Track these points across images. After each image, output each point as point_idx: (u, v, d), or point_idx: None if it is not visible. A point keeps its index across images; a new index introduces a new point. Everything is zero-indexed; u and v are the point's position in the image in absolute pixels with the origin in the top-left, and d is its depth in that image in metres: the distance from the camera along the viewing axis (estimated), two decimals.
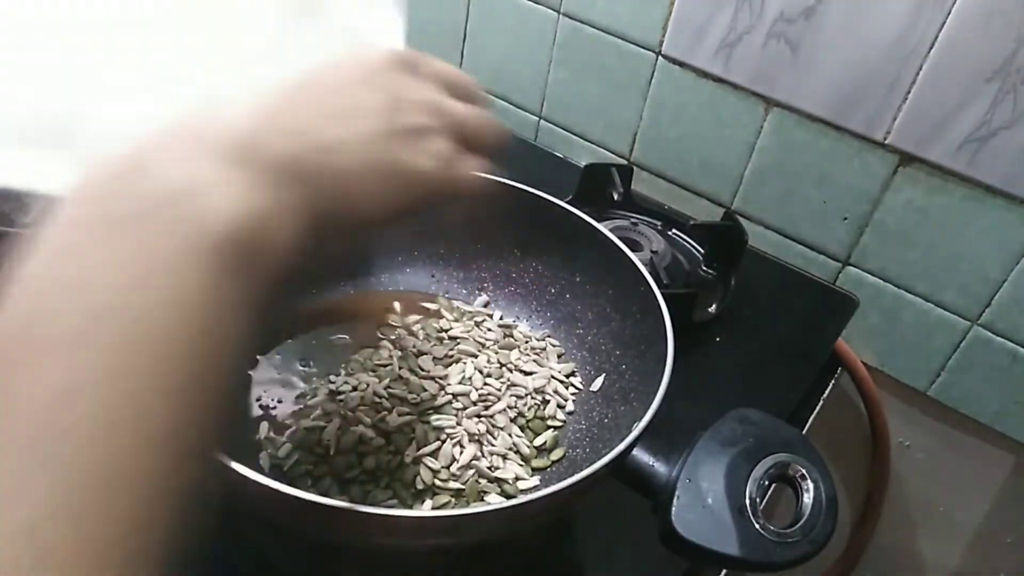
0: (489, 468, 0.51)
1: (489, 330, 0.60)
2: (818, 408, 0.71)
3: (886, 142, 0.69)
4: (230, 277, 0.25)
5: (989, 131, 0.64)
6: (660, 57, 0.79)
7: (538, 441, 0.53)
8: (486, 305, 0.63)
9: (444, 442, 0.51)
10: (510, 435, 0.53)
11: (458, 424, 0.52)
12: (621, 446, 0.40)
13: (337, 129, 0.30)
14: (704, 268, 0.75)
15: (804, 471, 0.40)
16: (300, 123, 0.30)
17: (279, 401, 0.53)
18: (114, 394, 0.21)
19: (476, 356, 0.58)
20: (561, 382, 0.58)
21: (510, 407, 0.55)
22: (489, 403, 0.55)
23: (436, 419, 0.52)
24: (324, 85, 0.32)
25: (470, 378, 0.56)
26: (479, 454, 0.52)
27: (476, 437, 0.52)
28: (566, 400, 0.56)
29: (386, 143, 0.31)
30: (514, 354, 0.58)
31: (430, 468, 0.49)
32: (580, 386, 0.58)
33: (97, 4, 0.39)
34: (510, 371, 0.57)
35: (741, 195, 0.80)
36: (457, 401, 0.54)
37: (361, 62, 0.33)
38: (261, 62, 0.39)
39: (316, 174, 0.29)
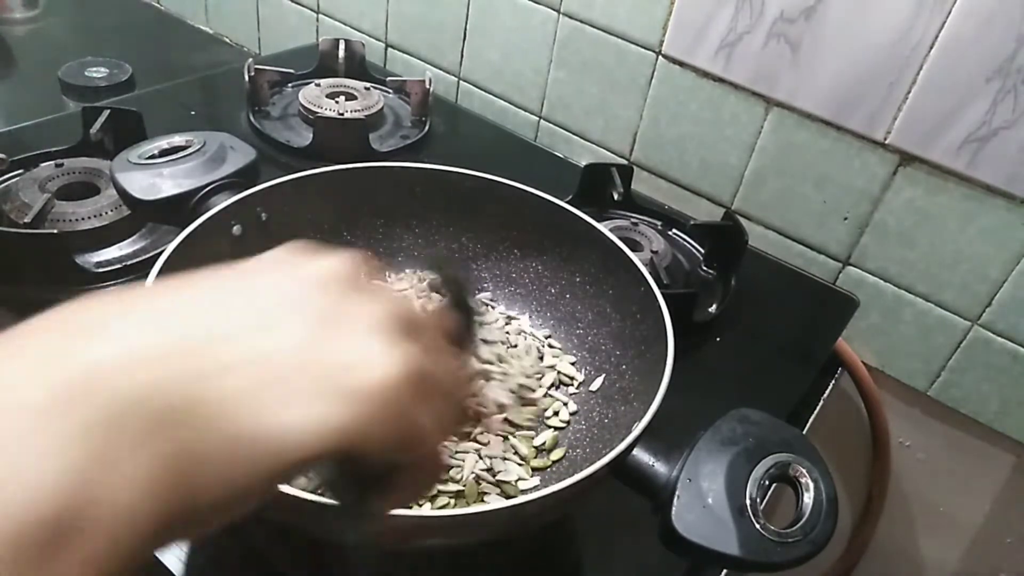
0: (488, 469, 0.51)
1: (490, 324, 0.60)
2: (818, 408, 0.71)
3: (886, 142, 0.69)
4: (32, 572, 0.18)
5: (989, 131, 0.64)
6: (660, 57, 0.79)
7: (538, 441, 0.53)
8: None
9: None
10: (510, 435, 0.53)
11: None
12: (621, 446, 0.40)
13: (244, 343, 0.23)
14: (704, 268, 0.75)
15: (804, 471, 0.40)
16: (189, 337, 0.22)
17: None
18: None
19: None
20: (561, 382, 0.58)
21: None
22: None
23: None
24: (243, 288, 0.25)
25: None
26: (478, 456, 0.52)
27: (475, 437, 0.52)
28: (566, 400, 0.56)
29: (318, 352, 0.23)
30: (515, 352, 0.58)
31: None
32: (580, 386, 0.58)
33: None
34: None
35: (741, 195, 0.80)
36: None
37: (301, 263, 0.26)
38: None
39: (191, 406, 0.21)
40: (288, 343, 0.23)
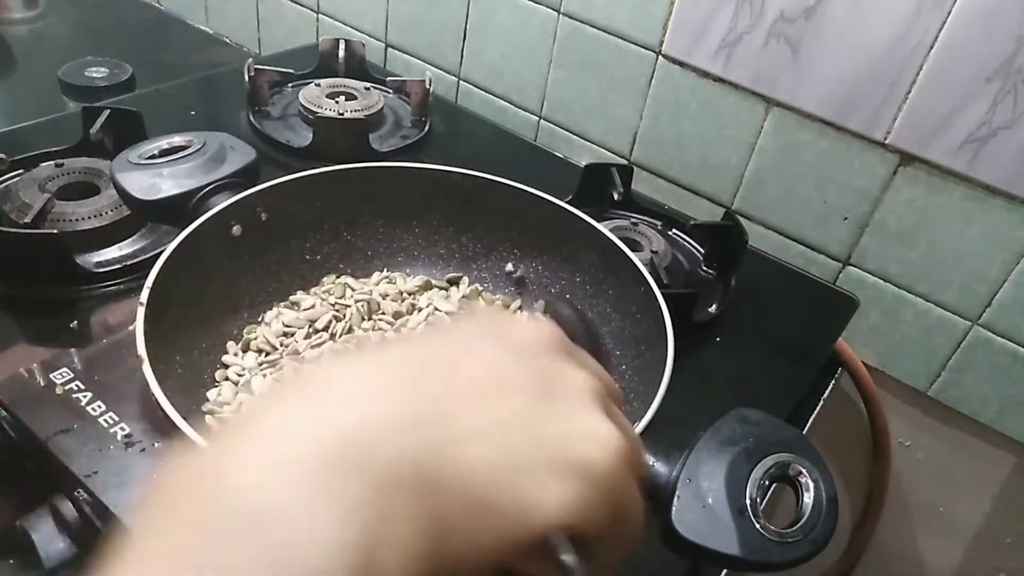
0: None
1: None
2: (818, 408, 0.71)
3: (886, 142, 0.69)
4: None
5: (989, 131, 0.64)
6: (660, 57, 0.79)
7: None
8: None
9: None
10: None
11: None
12: None
13: (474, 413, 0.24)
14: (704, 268, 0.75)
15: (804, 471, 0.40)
16: (422, 406, 0.23)
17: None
18: None
19: None
20: None
21: None
22: None
23: None
24: (458, 356, 0.26)
25: None
26: None
27: None
28: None
29: (543, 422, 0.24)
30: None
31: None
32: None
33: None
34: None
35: (741, 195, 0.80)
36: None
37: (506, 331, 0.27)
38: None
39: (440, 478, 0.22)
40: (513, 414, 0.24)
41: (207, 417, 0.50)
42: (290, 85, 0.92)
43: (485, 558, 0.23)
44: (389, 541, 0.21)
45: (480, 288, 0.64)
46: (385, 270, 0.64)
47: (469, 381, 0.25)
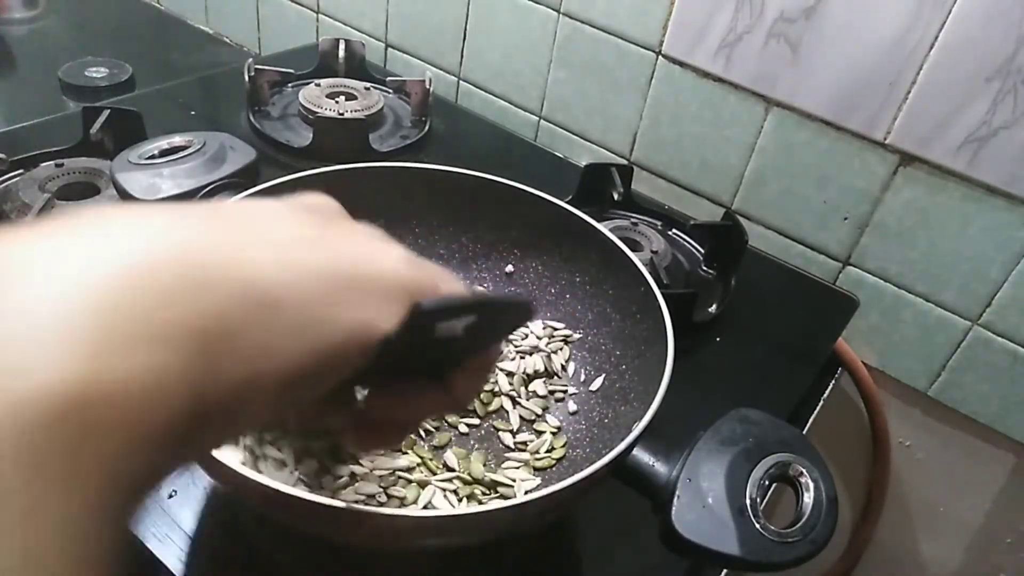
0: (488, 469, 0.51)
1: None
2: (818, 408, 0.71)
3: (886, 142, 0.69)
4: (62, 455, 0.15)
5: (989, 131, 0.64)
6: (660, 57, 0.79)
7: (538, 441, 0.53)
8: None
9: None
10: (509, 435, 0.53)
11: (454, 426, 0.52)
12: (621, 446, 0.40)
13: (257, 227, 0.22)
14: (704, 268, 0.75)
15: (804, 471, 0.40)
16: (209, 235, 0.21)
17: None
18: None
19: None
20: (555, 379, 0.58)
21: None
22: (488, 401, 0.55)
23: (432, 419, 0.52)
24: (242, 206, 0.24)
25: None
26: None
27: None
28: (566, 400, 0.56)
29: (332, 242, 0.24)
30: (514, 351, 0.58)
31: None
32: (580, 386, 0.58)
33: None
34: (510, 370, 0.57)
35: (741, 195, 0.80)
36: None
37: (293, 197, 0.27)
38: None
39: (220, 275, 0.19)
40: (305, 233, 0.23)
41: None
42: (290, 85, 0.92)
43: (281, 373, 0.20)
44: (135, 348, 0.17)
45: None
46: None
47: (258, 214, 0.23)
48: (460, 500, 0.49)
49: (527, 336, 0.60)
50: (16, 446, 0.15)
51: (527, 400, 0.56)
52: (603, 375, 0.57)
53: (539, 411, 0.55)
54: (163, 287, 0.18)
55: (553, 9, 0.84)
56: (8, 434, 0.15)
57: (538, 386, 0.56)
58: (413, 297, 0.25)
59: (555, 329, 0.61)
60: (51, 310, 0.16)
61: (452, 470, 0.50)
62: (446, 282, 0.28)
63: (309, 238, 0.23)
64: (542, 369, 0.58)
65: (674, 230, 0.79)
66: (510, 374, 0.57)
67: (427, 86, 0.89)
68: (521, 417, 0.55)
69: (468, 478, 0.49)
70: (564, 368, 0.58)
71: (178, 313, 0.18)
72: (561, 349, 0.60)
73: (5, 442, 0.15)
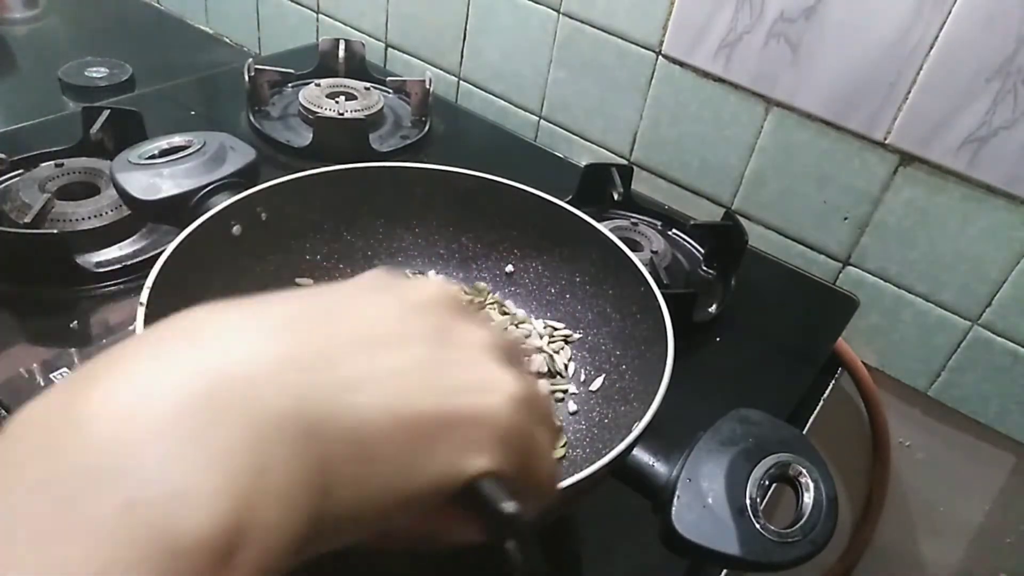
0: None
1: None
2: (818, 408, 0.71)
3: (886, 142, 0.69)
4: None
5: (989, 131, 0.64)
6: (660, 57, 0.79)
7: None
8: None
9: None
10: None
11: None
12: (621, 446, 0.40)
13: (365, 359, 0.22)
14: (704, 268, 0.75)
15: (804, 471, 0.40)
16: (308, 349, 0.21)
17: None
18: None
19: None
20: (558, 377, 0.58)
21: None
22: None
23: None
24: (351, 305, 0.24)
25: None
26: None
27: None
28: (566, 400, 0.56)
29: (438, 371, 0.23)
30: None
31: None
32: (580, 386, 0.58)
33: None
34: None
35: (741, 195, 0.80)
36: None
37: (403, 287, 0.26)
38: None
39: (324, 425, 0.20)
40: (410, 363, 0.23)
41: None
42: (290, 85, 0.92)
43: (375, 512, 0.21)
44: (267, 488, 0.18)
45: (486, 286, 0.64)
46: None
47: (361, 328, 0.23)
48: None
49: (529, 335, 0.60)
50: (185, 564, 0.17)
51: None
52: (603, 375, 0.57)
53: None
54: (283, 439, 0.19)
55: (553, 9, 0.84)
56: (168, 568, 0.17)
57: (542, 386, 0.56)
58: (508, 447, 0.24)
59: (555, 329, 0.61)
60: (186, 435, 0.18)
61: None
62: (545, 436, 0.26)
63: (418, 366, 0.23)
64: (545, 369, 0.58)
65: (674, 230, 0.79)
66: None
67: (427, 86, 0.89)
68: None
69: None
70: (566, 368, 0.58)
71: (298, 471, 0.19)
72: (563, 349, 0.60)
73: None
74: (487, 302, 0.63)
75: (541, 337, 0.60)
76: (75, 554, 0.16)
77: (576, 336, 0.60)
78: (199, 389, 0.19)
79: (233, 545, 0.18)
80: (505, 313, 0.62)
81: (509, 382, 0.24)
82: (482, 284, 0.64)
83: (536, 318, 0.62)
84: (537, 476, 0.26)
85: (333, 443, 0.20)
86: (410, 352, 0.23)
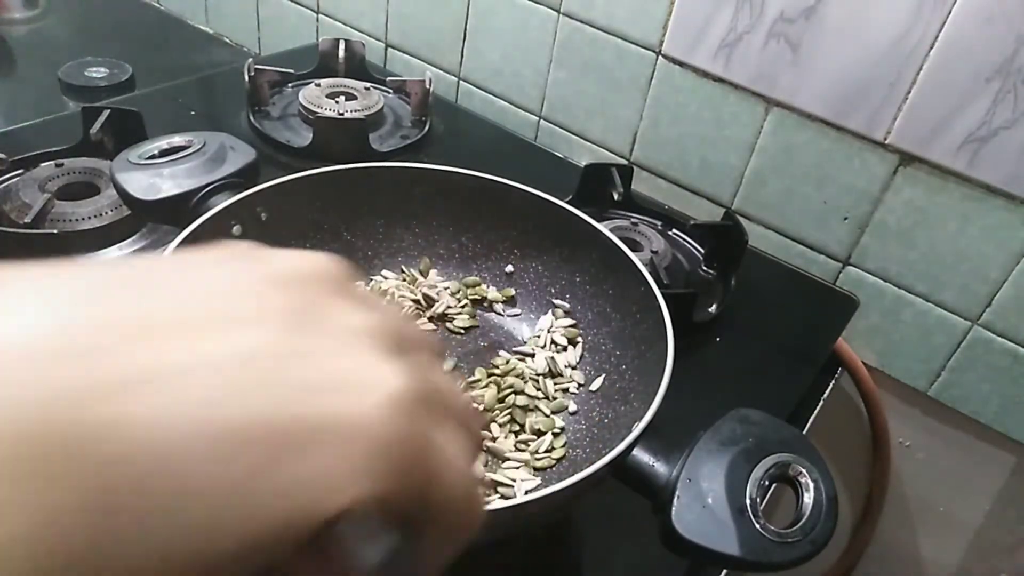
0: (489, 469, 0.51)
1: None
2: (818, 408, 0.71)
3: (886, 142, 0.69)
4: None
5: (989, 131, 0.64)
6: (660, 57, 0.79)
7: (538, 441, 0.53)
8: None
9: None
10: (510, 435, 0.53)
11: None
12: (621, 446, 0.40)
13: (178, 344, 0.16)
14: (704, 268, 0.75)
15: (804, 471, 0.40)
16: (99, 331, 0.15)
17: None
18: None
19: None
20: (559, 377, 0.58)
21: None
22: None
23: None
24: (184, 275, 0.18)
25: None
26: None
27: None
28: (566, 400, 0.56)
29: (288, 365, 0.17)
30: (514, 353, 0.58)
31: None
32: (580, 386, 0.58)
33: None
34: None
35: (741, 195, 0.80)
36: None
37: (267, 256, 0.20)
38: None
39: (100, 439, 0.14)
40: (247, 352, 0.16)
41: None
42: (290, 85, 0.92)
43: (185, 566, 0.15)
44: (12, 541, 0.13)
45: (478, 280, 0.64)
46: (387, 269, 0.64)
47: (186, 304, 0.17)
48: None
49: (539, 336, 0.60)
50: None
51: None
52: (603, 375, 0.57)
53: (547, 412, 0.55)
54: (28, 461, 0.13)
55: (553, 9, 0.84)
56: None
57: (547, 386, 0.56)
58: (389, 465, 0.17)
59: (562, 327, 0.61)
60: None
61: None
62: (454, 445, 0.19)
63: (258, 356, 0.16)
64: (546, 369, 0.58)
65: (674, 230, 0.79)
66: (520, 375, 0.57)
67: (427, 86, 0.89)
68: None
69: None
70: (571, 368, 0.58)
71: (40, 505, 0.13)
72: (566, 349, 0.60)
73: None
74: (470, 296, 0.63)
75: (542, 334, 0.60)
76: None
77: (579, 335, 0.60)
78: None
79: None
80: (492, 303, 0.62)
81: (390, 376, 0.18)
82: (473, 279, 0.64)
83: (545, 313, 0.62)
84: (442, 501, 0.19)
85: (111, 465, 0.14)
86: (250, 337, 0.17)
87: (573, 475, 0.38)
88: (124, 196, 0.57)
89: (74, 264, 0.17)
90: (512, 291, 0.63)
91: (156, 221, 0.67)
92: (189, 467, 0.15)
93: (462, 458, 0.19)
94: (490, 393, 0.55)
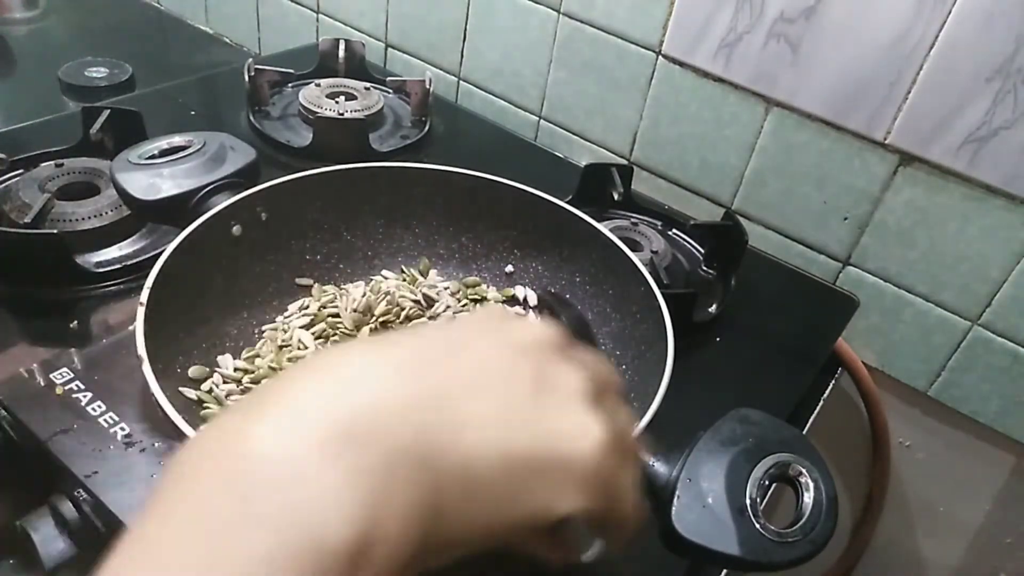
0: None
1: None
2: (818, 408, 0.71)
3: (886, 142, 0.69)
4: None
5: (989, 131, 0.64)
6: (660, 57, 0.79)
7: None
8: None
9: None
10: None
11: None
12: None
13: (473, 401, 0.26)
14: (704, 268, 0.75)
15: (804, 471, 0.40)
16: (426, 391, 0.26)
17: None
18: None
19: None
20: None
21: None
22: None
23: None
24: (464, 347, 0.28)
25: None
26: None
27: None
28: None
29: (537, 415, 0.27)
30: None
31: None
32: None
33: None
34: None
35: (741, 195, 0.80)
36: None
37: (510, 329, 0.30)
38: None
39: (440, 457, 0.24)
40: (509, 406, 0.26)
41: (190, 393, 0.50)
42: (290, 85, 0.92)
43: (478, 535, 0.25)
44: (391, 504, 0.23)
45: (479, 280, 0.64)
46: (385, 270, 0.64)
47: (470, 372, 0.27)
48: None
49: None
50: (319, 572, 0.21)
51: None
52: None
53: None
54: (404, 467, 0.23)
55: (553, 9, 0.84)
56: (313, 561, 0.21)
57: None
58: (594, 490, 0.27)
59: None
60: (322, 461, 0.23)
61: None
62: (628, 476, 0.30)
63: (519, 409, 0.27)
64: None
65: (674, 230, 0.79)
66: None
67: (427, 86, 0.89)
68: None
69: None
70: None
71: (416, 494, 0.23)
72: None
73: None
74: (477, 297, 0.63)
75: None
76: (250, 538, 0.21)
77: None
78: (340, 420, 0.23)
79: (363, 551, 0.22)
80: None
81: (598, 428, 0.27)
82: (473, 279, 0.64)
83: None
84: (620, 514, 0.30)
85: (444, 473, 0.24)
86: (509, 396, 0.27)
87: None
88: (124, 196, 0.57)
89: (387, 342, 0.28)
90: (512, 291, 0.63)
91: (156, 221, 0.66)
92: (491, 474, 0.25)
93: (632, 483, 0.30)
94: None
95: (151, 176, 0.57)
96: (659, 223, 0.79)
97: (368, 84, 0.92)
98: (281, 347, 0.56)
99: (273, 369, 0.54)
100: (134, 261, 0.64)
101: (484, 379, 0.27)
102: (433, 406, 0.25)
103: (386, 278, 0.63)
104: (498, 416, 0.26)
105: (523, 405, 0.27)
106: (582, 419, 0.28)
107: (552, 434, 0.27)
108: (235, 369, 0.53)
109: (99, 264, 0.64)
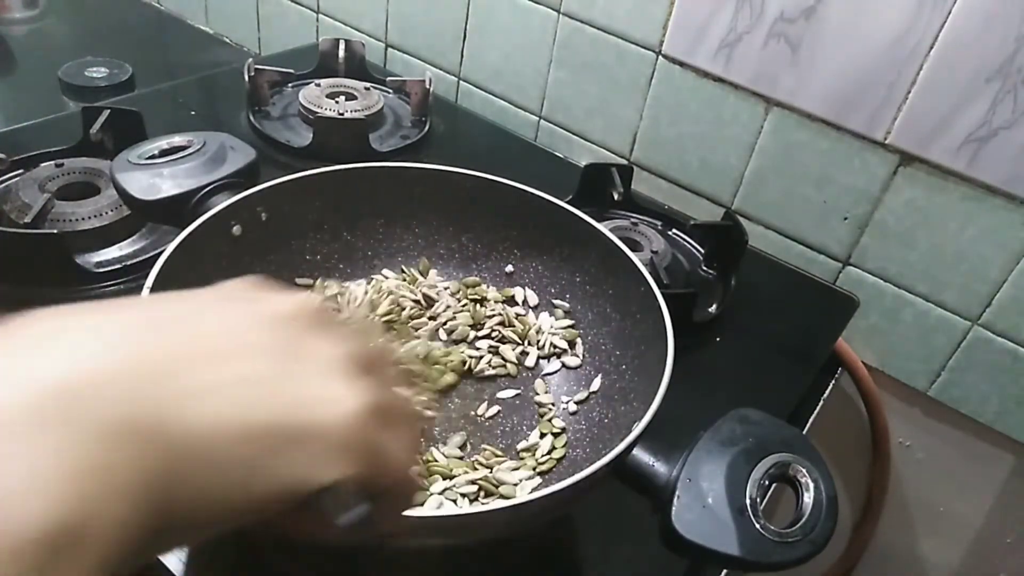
0: (488, 469, 0.51)
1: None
2: (818, 408, 0.71)
3: (886, 142, 0.69)
4: None
5: (989, 131, 0.64)
6: (660, 57, 0.79)
7: (537, 441, 0.53)
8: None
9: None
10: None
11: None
12: (621, 446, 0.40)
13: (207, 370, 0.23)
14: (704, 268, 0.75)
15: (804, 471, 0.40)
16: (152, 359, 0.23)
17: None
18: None
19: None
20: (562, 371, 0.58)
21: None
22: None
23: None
24: (201, 316, 0.26)
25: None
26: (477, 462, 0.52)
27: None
28: (567, 400, 0.56)
29: (284, 386, 0.25)
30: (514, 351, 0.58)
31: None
32: (580, 386, 0.58)
33: None
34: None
35: (741, 195, 0.80)
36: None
37: (260, 299, 0.27)
38: None
39: (168, 430, 0.22)
40: (252, 376, 0.24)
41: None
42: (290, 85, 0.92)
43: (224, 511, 0.23)
44: (108, 482, 0.20)
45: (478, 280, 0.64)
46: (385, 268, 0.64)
47: (211, 339, 0.24)
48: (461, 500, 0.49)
49: (542, 333, 0.60)
50: (16, 563, 0.18)
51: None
52: (603, 375, 0.57)
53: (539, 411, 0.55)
54: (123, 442, 0.21)
55: (553, 9, 0.84)
56: (6, 558, 0.18)
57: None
58: (351, 457, 0.25)
59: (561, 328, 0.61)
60: (21, 438, 0.19)
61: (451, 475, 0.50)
62: (398, 442, 0.27)
63: (260, 380, 0.24)
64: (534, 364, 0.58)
65: (674, 230, 0.79)
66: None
67: (427, 86, 0.89)
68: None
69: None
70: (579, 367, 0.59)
71: (141, 469, 0.21)
72: (570, 350, 0.60)
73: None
74: (478, 297, 0.63)
75: (554, 333, 0.60)
76: None
77: (578, 336, 0.60)
78: (44, 391, 0.20)
79: (72, 539, 0.19)
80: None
81: (352, 395, 0.25)
82: (473, 279, 0.64)
83: (548, 314, 0.62)
84: (389, 482, 0.27)
85: (174, 447, 0.21)
86: (253, 365, 0.24)
87: (573, 475, 0.38)
88: (124, 196, 0.57)
89: (118, 305, 0.25)
90: (512, 291, 0.63)
91: (156, 221, 0.66)
92: (230, 448, 0.23)
93: (404, 452, 0.27)
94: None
95: (151, 176, 0.57)
96: (659, 223, 0.79)
97: (368, 84, 0.92)
98: None
99: None
100: (134, 261, 0.64)
101: (226, 347, 0.24)
102: (158, 377, 0.22)
103: (386, 278, 0.63)
104: (237, 385, 0.24)
105: (269, 374, 0.24)
106: (335, 387, 0.26)
107: (301, 403, 0.24)
108: None
109: (99, 264, 0.64)
